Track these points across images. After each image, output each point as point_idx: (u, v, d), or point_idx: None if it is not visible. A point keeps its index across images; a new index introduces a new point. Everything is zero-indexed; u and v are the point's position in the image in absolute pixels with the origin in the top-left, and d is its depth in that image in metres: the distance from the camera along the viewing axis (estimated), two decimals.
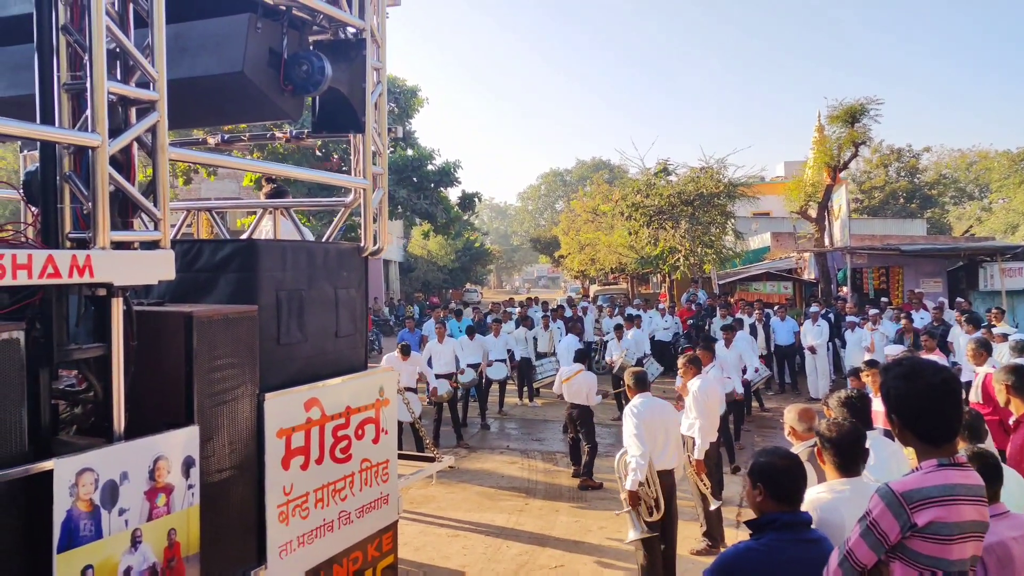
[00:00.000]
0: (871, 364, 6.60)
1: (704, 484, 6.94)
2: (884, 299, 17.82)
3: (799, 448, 4.04)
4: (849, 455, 3.20)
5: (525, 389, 14.72)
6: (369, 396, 4.13)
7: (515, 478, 9.61)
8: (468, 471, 9.93)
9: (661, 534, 5.82)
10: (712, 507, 6.90)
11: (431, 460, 5.36)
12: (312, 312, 3.80)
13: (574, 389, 9.55)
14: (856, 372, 7.18)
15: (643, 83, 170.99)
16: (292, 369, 3.66)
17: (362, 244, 4.16)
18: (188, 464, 2.98)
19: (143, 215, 2.94)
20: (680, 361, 7.50)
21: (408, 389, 8.99)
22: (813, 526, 2.89)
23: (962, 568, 2.35)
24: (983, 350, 7.13)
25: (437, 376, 11.17)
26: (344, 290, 4.06)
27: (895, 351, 8.74)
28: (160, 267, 2.88)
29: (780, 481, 2.81)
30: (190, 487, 2.99)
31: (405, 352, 10.44)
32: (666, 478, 5.91)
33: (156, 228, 2.91)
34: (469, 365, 12.42)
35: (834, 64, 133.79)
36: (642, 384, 6.19)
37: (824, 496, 3.03)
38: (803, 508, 3.14)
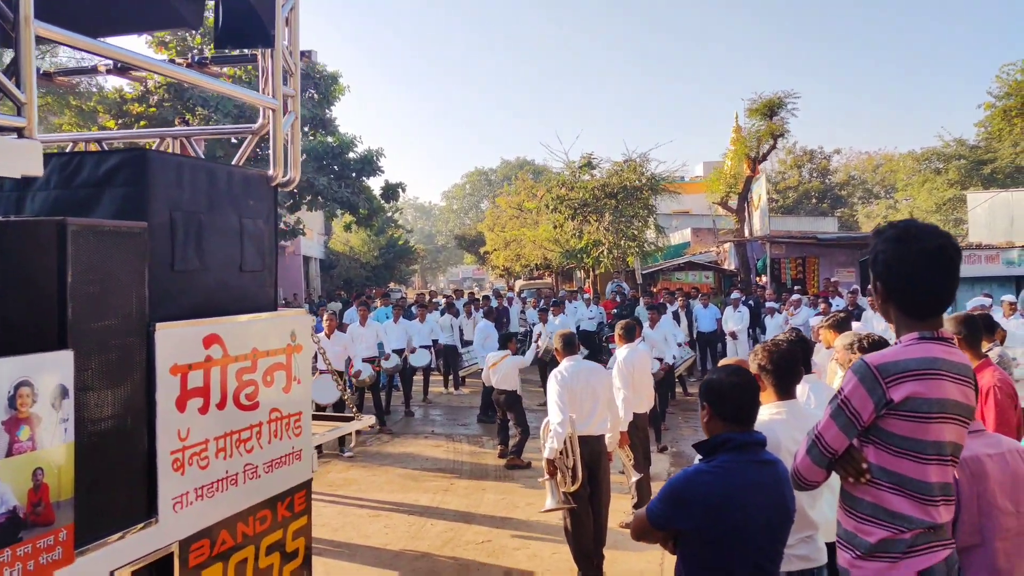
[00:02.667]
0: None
1: (627, 456, 6.79)
2: (798, 287, 18.32)
3: None
4: (786, 376, 3.20)
5: (451, 377, 14.39)
6: (280, 340, 3.75)
7: (440, 460, 9.28)
8: (391, 455, 9.56)
9: (588, 503, 5.58)
10: (632, 479, 6.79)
11: (349, 419, 4.99)
12: (213, 239, 3.39)
13: (501, 375, 9.36)
14: None
15: (564, 87, 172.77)
16: (189, 301, 3.25)
17: (271, 173, 3.77)
18: (60, 394, 2.55)
19: (5, 99, 2.51)
20: (617, 327, 7.32)
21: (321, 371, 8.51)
22: None
23: (940, 451, 2.13)
24: None
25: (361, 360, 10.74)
26: (250, 220, 3.65)
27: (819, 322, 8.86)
28: (25, 159, 2.45)
29: (726, 398, 2.61)
30: (63, 420, 2.56)
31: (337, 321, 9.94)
32: (593, 444, 5.66)
33: (20, 113, 2.48)
34: (394, 351, 12.02)
35: (749, 64, 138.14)
36: (570, 347, 5.95)
37: (761, 417, 2.90)
38: None
